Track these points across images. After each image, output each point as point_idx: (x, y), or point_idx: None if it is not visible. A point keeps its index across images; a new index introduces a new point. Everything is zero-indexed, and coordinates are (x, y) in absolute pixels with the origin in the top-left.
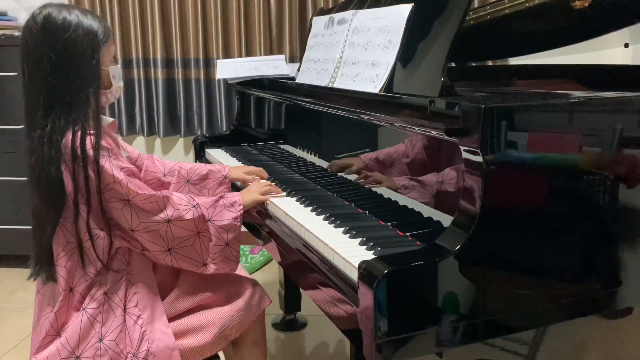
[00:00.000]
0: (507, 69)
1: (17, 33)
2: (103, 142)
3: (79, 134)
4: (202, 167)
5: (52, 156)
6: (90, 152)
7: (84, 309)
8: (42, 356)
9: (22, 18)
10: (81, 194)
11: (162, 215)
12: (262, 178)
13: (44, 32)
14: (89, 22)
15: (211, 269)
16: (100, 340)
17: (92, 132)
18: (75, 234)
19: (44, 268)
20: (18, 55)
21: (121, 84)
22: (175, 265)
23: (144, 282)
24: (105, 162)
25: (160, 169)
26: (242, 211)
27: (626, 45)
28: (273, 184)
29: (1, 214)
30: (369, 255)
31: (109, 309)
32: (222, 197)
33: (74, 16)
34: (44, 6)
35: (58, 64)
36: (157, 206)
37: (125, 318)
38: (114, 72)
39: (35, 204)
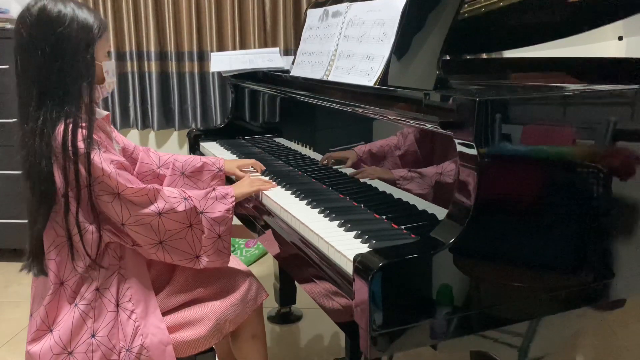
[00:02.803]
0: (501, 61)
1: (8, 25)
2: (94, 136)
3: (70, 127)
4: (197, 160)
5: (42, 149)
6: (81, 144)
7: (75, 304)
8: (35, 352)
9: (14, 10)
10: (71, 188)
11: (152, 207)
12: (258, 170)
13: (39, 24)
14: (85, 16)
15: (204, 261)
16: (93, 335)
17: (83, 124)
18: (65, 228)
19: (36, 261)
20: (11, 47)
21: (114, 79)
22: (167, 260)
23: (138, 277)
24: (95, 155)
25: (155, 162)
26: (234, 203)
27: (620, 38)
28: (266, 178)
29: None
30: (364, 248)
31: (101, 304)
32: (213, 189)
33: (69, 9)
34: None
35: (51, 57)
36: (147, 199)
37: (118, 313)
38: (108, 67)
39: (28, 197)
